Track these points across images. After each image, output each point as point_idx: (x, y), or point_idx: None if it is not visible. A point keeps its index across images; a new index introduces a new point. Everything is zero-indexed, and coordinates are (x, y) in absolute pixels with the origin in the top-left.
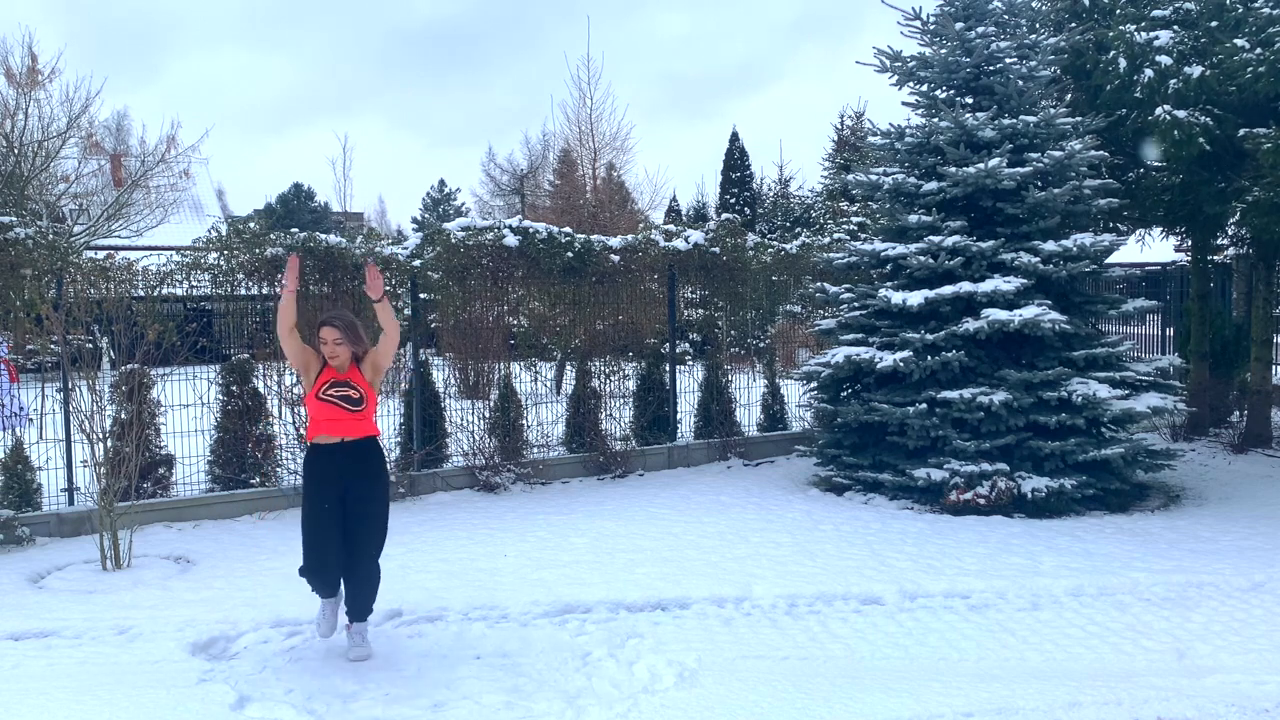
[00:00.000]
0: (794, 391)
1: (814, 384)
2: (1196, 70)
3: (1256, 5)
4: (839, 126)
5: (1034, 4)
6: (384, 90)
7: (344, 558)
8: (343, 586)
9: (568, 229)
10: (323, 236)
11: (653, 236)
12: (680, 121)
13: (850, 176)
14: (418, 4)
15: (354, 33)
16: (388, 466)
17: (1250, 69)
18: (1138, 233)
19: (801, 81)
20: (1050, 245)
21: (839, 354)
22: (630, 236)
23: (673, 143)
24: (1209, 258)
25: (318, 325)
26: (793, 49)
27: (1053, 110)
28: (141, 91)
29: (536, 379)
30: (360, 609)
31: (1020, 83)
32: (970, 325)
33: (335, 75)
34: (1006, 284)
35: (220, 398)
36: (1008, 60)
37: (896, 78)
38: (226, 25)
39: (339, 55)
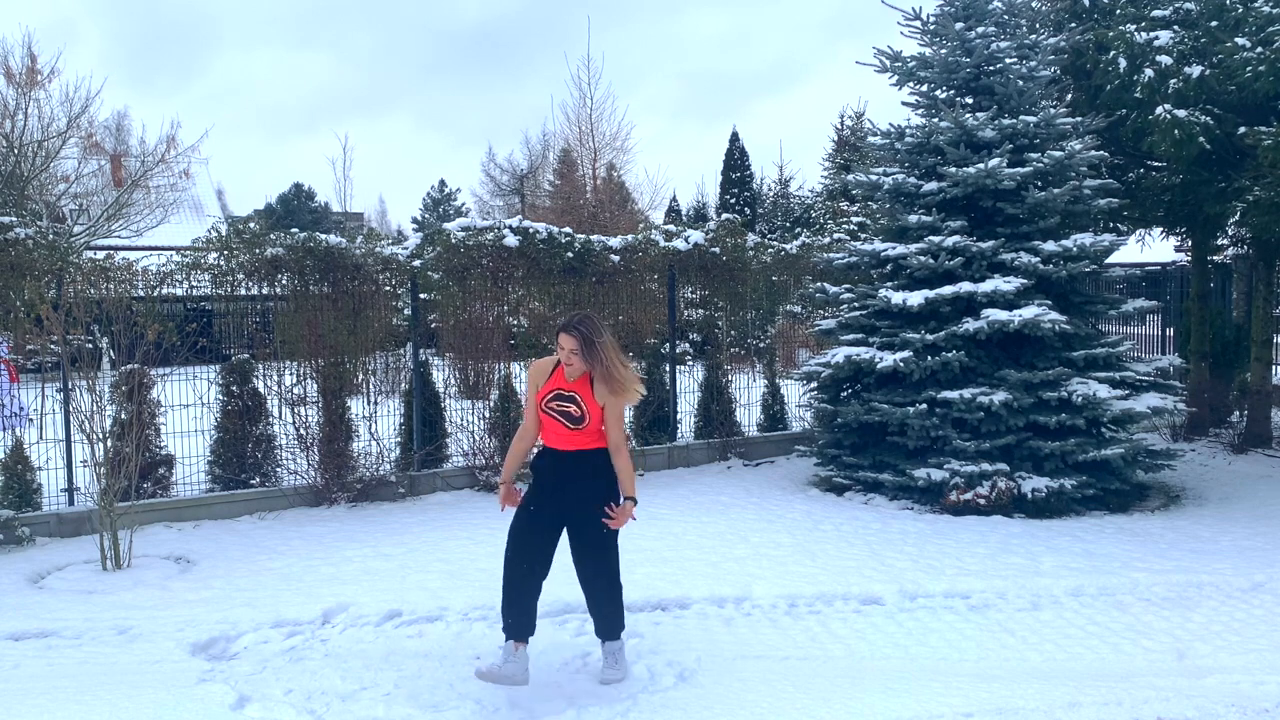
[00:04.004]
0: (794, 391)
1: (814, 384)
2: (1197, 70)
3: (1256, 4)
4: (839, 126)
5: (1034, 4)
6: (417, 90)
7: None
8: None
9: (568, 229)
10: (323, 236)
11: (653, 236)
12: (703, 122)
13: (850, 176)
14: (462, 6)
15: (394, 34)
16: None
17: (1250, 68)
18: (1138, 233)
19: (826, 83)
20: (1050, 245)
21: (839, 354)
22: (630, 236)
23: (681, 144)
24: (1209, 258)
25: (558, 330)
26: (822, 51)
27: (1053, 110)
28: (178, 92)
29: None
30: (601, 628)
31: (1020, 83)
32: (970, 325)
33: (370, 75)
34: (1006, 284)
35: (220, 398)
36: (1008, 60)
37: (896, 78)
38: (267, 27)
39: (377, 55)
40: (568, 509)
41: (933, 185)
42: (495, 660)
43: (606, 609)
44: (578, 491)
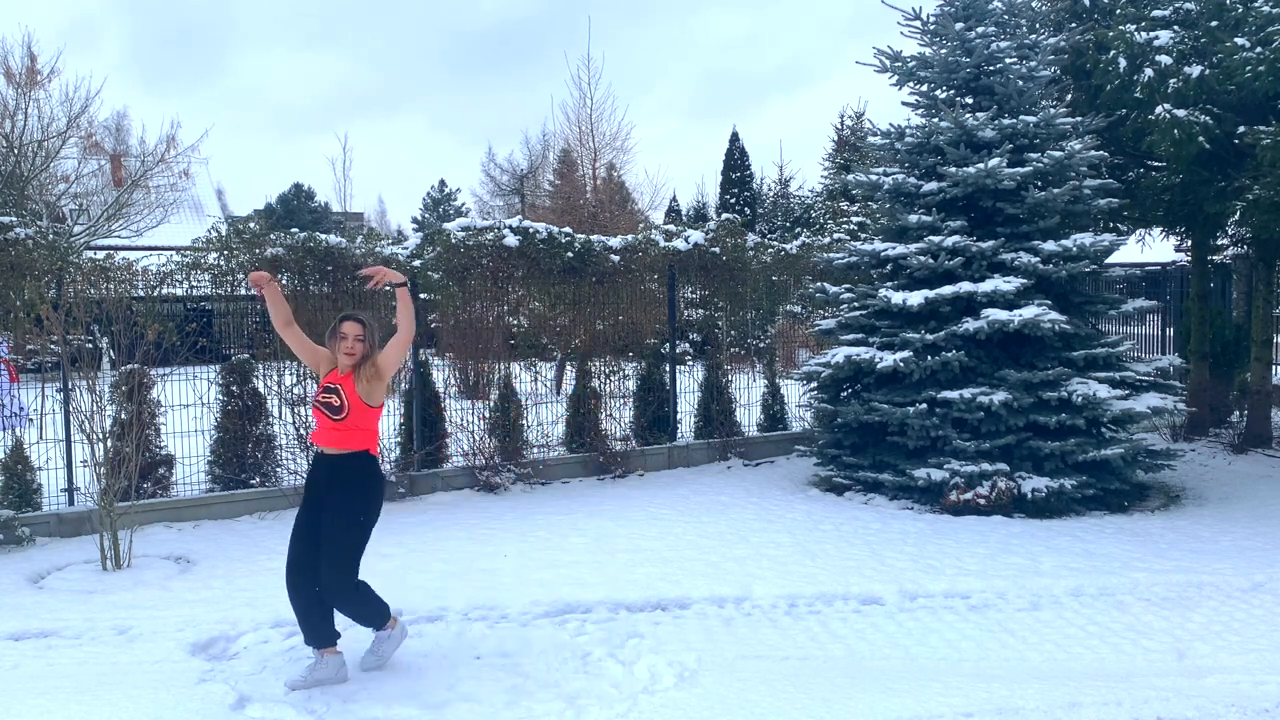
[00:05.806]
0: (794, 391)
1: (814, 384)
2: (1196, 70)
3: (1256, 4)
4: (839, 126)
5: (1034, 4)
6: (424, 91)
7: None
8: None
9: (568, 229)
10: (323, 236)
11: (653, 236)
12: (709, 123)
13: (850, 176)
14: (476, 7)
15: (405, 35)
16: (371, 486)
17: (1250, 67)
18: (1138, 233)
19: (834, 86)
20: (1050, 245)
21: (839, 354)
22: (630, 236)
23: (682, 144)
24: (1209, 258)
25: (339, 320)
26: (835, 54)
27: (1053, 110)
28: (191, 92)
29: (536, 379)
30: (362, 623)
31: (1020, 83)
32: (970, 325)
33: (378, 76)
34: (1006, 284)
35: (220, 398)
36: (1008, 60)
37: (896, 78)
38: (278, 27)
39: (388, 57)
40: (322, 515)
41: (933, 185)
42: (303, 669)
43: (354, 611)
44: (330, 499)
